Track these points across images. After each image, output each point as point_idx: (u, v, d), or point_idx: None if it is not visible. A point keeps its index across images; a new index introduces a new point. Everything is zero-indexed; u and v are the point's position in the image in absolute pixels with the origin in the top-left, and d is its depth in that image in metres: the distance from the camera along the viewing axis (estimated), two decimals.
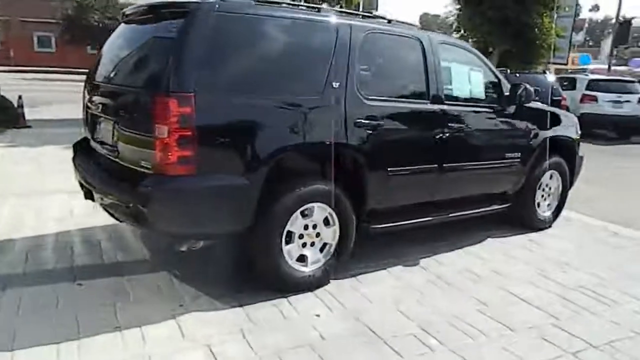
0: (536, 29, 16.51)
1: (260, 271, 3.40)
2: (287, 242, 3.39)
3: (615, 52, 26.67)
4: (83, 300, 3.27)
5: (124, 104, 3.28)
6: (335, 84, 3.44)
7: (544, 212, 5.32)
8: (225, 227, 3.12)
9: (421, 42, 4.06)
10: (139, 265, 3.88)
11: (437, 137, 4.06)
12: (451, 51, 4.34)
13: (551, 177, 5.27)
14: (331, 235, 3.60)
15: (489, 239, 4.92)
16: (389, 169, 3.76)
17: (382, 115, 3.68)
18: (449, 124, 4.13)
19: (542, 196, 5.27)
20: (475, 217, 4.71)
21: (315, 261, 3.56)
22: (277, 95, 3.24)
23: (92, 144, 3.76)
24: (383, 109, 3.69)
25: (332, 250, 3.62)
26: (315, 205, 3.45)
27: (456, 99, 4.28)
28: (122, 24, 3.85)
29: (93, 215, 4.80)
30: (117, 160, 3.32)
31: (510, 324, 3.25)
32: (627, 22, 23.93)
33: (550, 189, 5.33)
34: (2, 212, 4.92)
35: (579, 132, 5.60)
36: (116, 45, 3.74)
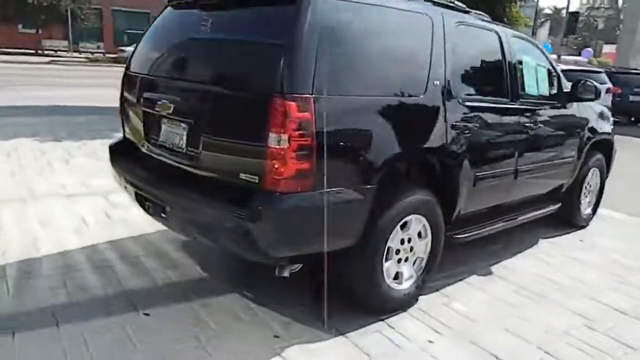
0: (505, 19, 16.66)
1: (358, 292, 3.02)
2: (386, 259, 3.04)
3: (565, 42, 27.77)
4: (159, 334, 2.79)
5: (213, 105, 2.77)
6: (436, 82, 3.09)
7: (586, 209, 5.24)
8: (334, 246, 2.72)
9: (499, 36, 3.77)
10: (201, 286, 3.40)
11: (517, 136, 3.84)
12: (521, 45, 4.08)
13: (593, 173, 5.18)
14: (423, 248, 3.28)
15: (540, 240, 4.77)
16: (477, 172, 3.48)
17: (474, 116, 3.38)
18: (526, 122, 3.91)
19: (584, 193, 5.17)
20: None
21: (408, 277, 3.23)
22: (387, 95, 2.85)
23: (146, 148, 3.22)
24: (475, 109, 3.40)
25: (423, 264, 3.31)
26: (414, 216, 3.11)
27: (530, 96, 4.05)
28: (177, 8, 3.30)
29: (111, 224, 4.28)
30: (198, 171, 2.83)
31: (626, 341, 3.06)
32: (575, 14, 25.02)
33: (590, 185, 5.24)
34: (2, 223, 4.24)
35: (612, 125, 5.53)
36: (180, 33, 3.19)
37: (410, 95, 2.97)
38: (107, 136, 8.24)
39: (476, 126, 3.37)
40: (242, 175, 2.57)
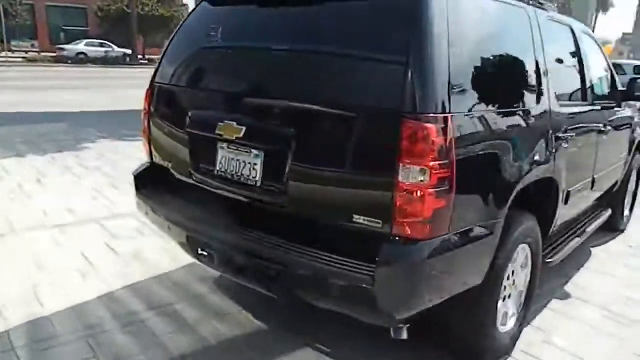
0: None
1: (470, 340, 2.52)
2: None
3: None
4: None
5: (309, 128, 2.16)
6: (545, 88, 2.64)
7: (626, 211, 4.97)
8: (459, 291, 2.20)
9: (573, 31, 3.36)
10: (261, 340, 2.80)
11: (595, 141, 3.46)
12: (588, 40, 3.69)
13: (634, 174, 4.92)
14: (524, 280, 2.83)
15: (591, 249, 4.44)
16: (569, 185, 3.06)
17: (570, 124, 2.95)
18: (601, 126, 3.54)
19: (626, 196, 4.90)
20: None
21: (512, 316, 2.76)
22: (512, 107, 2.37)
23: (196, 179, 2.57)
24: (569, 116, 2.98)
25: (523, 298, 2.85)
26: (521, 246, 2.64)
27: (599, 96, 3.68)
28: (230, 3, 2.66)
29: (120, 261, 3.61)
30: (283, 210, 2.23)
31: None
32: None
33: (631, 186, 4.98)
34: None
35: None
36: (242, 35, 2.53)
37: (525, 106, 2.50)
38: (76, 148, 7.39)
39: (571, 135, 2.94)
40: (357, 218, 2.00)
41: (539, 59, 2.65)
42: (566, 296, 3.52)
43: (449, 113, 1.92)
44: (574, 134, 2.97)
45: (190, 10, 2.87)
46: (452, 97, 1.93)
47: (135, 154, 6.16)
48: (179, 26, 2.88)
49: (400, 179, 1.87)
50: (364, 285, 1.92)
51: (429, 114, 1.87)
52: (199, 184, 2.57)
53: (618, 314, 3.31)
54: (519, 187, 2.34)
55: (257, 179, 2.28)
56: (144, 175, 2.90)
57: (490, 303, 2.43)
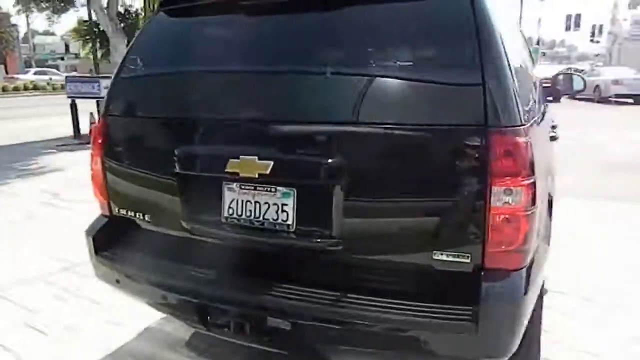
0: None
1: None
2: None
3: None
4: None
5: (361, 154, 1.76)
6: None
7: None
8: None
9: None
10: None
11: None
12: None
13: None
14: None
15: None
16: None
17: None
18: None
19: None
20: None
21: None
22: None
23: (189, 230, 2.06)
24: None
25: None
26: None
27: None
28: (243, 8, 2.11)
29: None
30: (330, 256, 1.83)
31: None
32: None
33: None
34: None
35: None
36: (242, 45, 2.04)
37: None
38: None
39: None
40: (437, 254, 1.69)
41: None
42: None
43: (526, 124, 1.71)
44: None
45: (146, 22, 2.33)
46: (521, 107, 1.73)
47: None
48: (132, 43, 2.33)
49: (492, 202, 1.61)
50: (463, 332, 1.62)
51: (516, 126, 1.64)
52: (195, 237, 2.05)
53: None
54: None
55: (289, 222, 1.85)
56: (105, 233, 2.28)
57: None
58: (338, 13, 1.94)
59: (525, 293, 1.66)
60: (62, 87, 26.69)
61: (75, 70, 35.40)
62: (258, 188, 1.89)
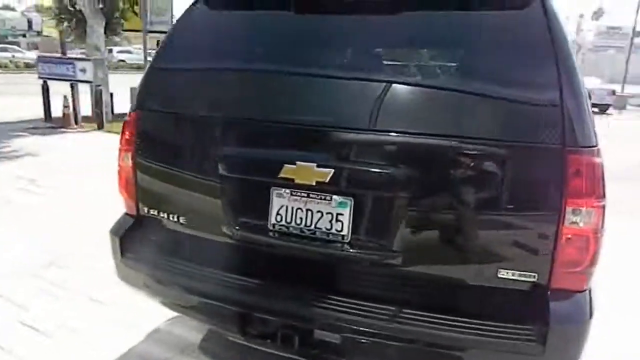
0: None
1: None
2: None
3: None
4: None
5: (427, 166, 1.71)
6: None
7: None
8: None
9: None
10: None
11: None
12: None
13: None
14: None
15: None
16: None
17: None
18: None
19: None
20: None
21: None
22: None
23: (232, 235, 1.96)
24: None
25: None
26: None
27: None
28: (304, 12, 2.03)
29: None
30: (387, 269, 1.78)
31: None
32: None
33: None
34: None
35: None
36: (307, 48, 1.95)
37: None
38: None
39: None
40: (503, 273, 1.66)
41: None
42: None
43: (599, 144, 1.69)
44: None
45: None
46: (594, 127, 1.71)
47: None
48: (173, 29, 2.19)
49: (565, 222, 1.59)
50: (529, 352, 1.60)
51: (592, 147, 1.61)
52: (236, 243, 1.96)
53: None
54: None
55: (344, 232, 1.78)
56: (132, 233, 2.15)
57: None
58: (414, 21, 1.87)
59: (591, 316, 1.65)
60: (27, 65, 25.49)
61: (37, 49, 33.75)
62: (311, 196, 1.81)
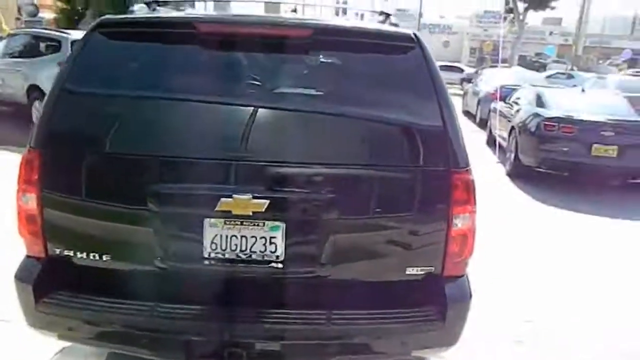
0: None
1: None
2: None
3: None
4: None
5: (349, 189, 2.02)
6: None
7: None
8: None
9: None
10: None
11: None
12: None
13: None
14: None
15: None
16: None
17: None
18: None
19: None
20: None
21: None
22: None
23: (163, 266, 2.04)
24: None
25: None
26: None
27: None
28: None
29: None
30: (319, 279, 2.06)
31: None
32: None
33: None
34: None
35: None
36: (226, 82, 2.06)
37: None
38: None
39: None
40: (410, 270, 2.08)
41: None
42: None
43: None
44: None
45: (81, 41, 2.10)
46: None
47: None
48: (73, 63, 2.09)
49: (452, 225, 2.05)
50: (433, 329, 2.05)
51: (467, 167, 2.08)
52: (173, 273, 2.05)
53: None
54: None
55: (278, 252, 2.01)
56: (45, 277, 2.06)
57: None
58: (323, 67, 2.17)
59: (471, 294, 2.17)
60: None
61: None
62: (244, 223, 1.99)
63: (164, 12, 2.43)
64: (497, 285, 3.73)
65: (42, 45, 9.02)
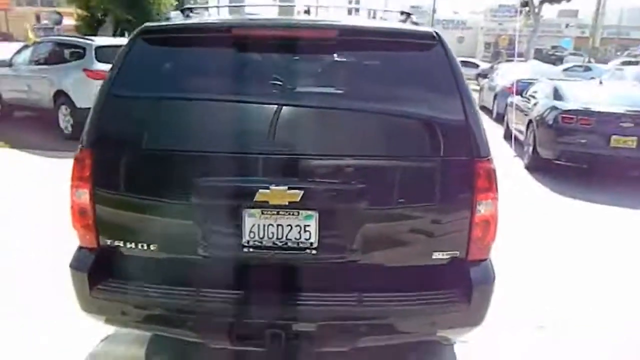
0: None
1: None
2: None
3: None
4: None
5: (379, 180, 2.16)
6: None
7: None
8: None
9: None
10: None
11: None
12: None
13: None
14: None
15: None
16: None
17: None
18: None
19: None
20: None
21: None
22: None
23: (205, 254, 2.20)
24: None
25: None
26: None
27: None
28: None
29: None
30: (350, 264, 2.20)
31: None
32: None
33: None
34: None
35: None
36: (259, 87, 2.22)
37: None
38: None
39: None
40: (436, 255, 2.21)
41: None
42: None
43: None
44: None
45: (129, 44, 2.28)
46: None
47: None
48: (121, 66, 2.25)
49: (476, 211, 2.17)
50: (459, 310, 2.19)
51: (489, 156, 2.21)
52: (215, 261, 2.21)
53: None
54: None
55: (312, 240, 2.16)
56: (99, 265, 2.24)
57: None
58: (359, 66, 2.31)
59: (494, 277, 2.29)
60: None
61: None
62: (280, 213, 2.14)
63: (197, 18, 2.60)
64: (518, 273, 3.83)
65: (67, 52, 9.27)
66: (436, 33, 2.29)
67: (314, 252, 2.16)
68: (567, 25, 47.82)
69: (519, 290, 3.64)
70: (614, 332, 3.35)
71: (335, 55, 2.28)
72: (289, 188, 2.07)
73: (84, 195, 2.22)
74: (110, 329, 2.90)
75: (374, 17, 4.37)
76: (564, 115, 7.11)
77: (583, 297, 3.80)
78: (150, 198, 2.22)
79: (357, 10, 19.08)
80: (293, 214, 2.14)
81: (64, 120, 8.83)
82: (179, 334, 2.30)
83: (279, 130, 2.16)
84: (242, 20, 2.68)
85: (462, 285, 2.20)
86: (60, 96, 8.79)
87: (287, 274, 2.22)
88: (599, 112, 7.02)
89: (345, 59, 2.30)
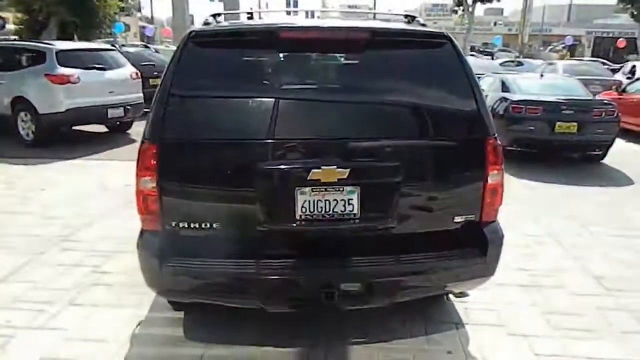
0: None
1: None
2: None
3: None
4: None
5: (410, 160, 2.56)
6: None
7: None
8: None
9: None
10: None
11: None
12: None
13: None
14: None
15: None
16: None
17: None
18: None
19: None
20: None
21: None
22: None
23: (264, 229, 2.52)
24: None
25: None
26: None
27: None
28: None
29: None
30: (388, 231, 2.59)
31: None
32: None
33: None
34: None
35: None
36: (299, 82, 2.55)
37: None
38: None
39: None
40: (457, 219, 2.64)
41: None
42: None
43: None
44: None
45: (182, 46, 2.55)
46: None
47: None
48: (178, 65, 2.52)
49: (487, 181, 2.62)
50: (478, 263, 2.64)
51: (495, 135, 2.66)
52: (269, 234, 2.53)
53: None
54: None
55: (355, 211, 2.53)
56: (166, 246, 2.50)
57: None
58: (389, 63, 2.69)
59: (503, 235, 2.75)
60: None
61: None
62: (328, 189, 2.49)
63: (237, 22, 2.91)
64: None
65: (24, 57, 9.05)
66: (447, 34, 2.72)
67: (357, 221, 2.53)
68: (495, 23, 50.46)
69: None
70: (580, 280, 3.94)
71: (368, 52, 2.66)
72: (338, 167, 2.44)
73: (150, 183, 2.48)
74: (144, 313, 3.16)
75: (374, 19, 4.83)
76: (514, 106, 7.82)
77: (550, 255, 4.40)
78: (212, 183, 2.51)
79: (295, 12, 19.41)
80: (338, 190, 2.50)
81: (24, 127, 8.59)
82: (241, 303, 2.60)
83: (325, 118, 2.53)
84: (287, 23, 3.03)
85: (479, 243, 2.64)
86: (19, 102, 8.57)
87: (334, 242, 2.58)
88: (544, 102, 7.79)
89: (377, 56, 2.68)
